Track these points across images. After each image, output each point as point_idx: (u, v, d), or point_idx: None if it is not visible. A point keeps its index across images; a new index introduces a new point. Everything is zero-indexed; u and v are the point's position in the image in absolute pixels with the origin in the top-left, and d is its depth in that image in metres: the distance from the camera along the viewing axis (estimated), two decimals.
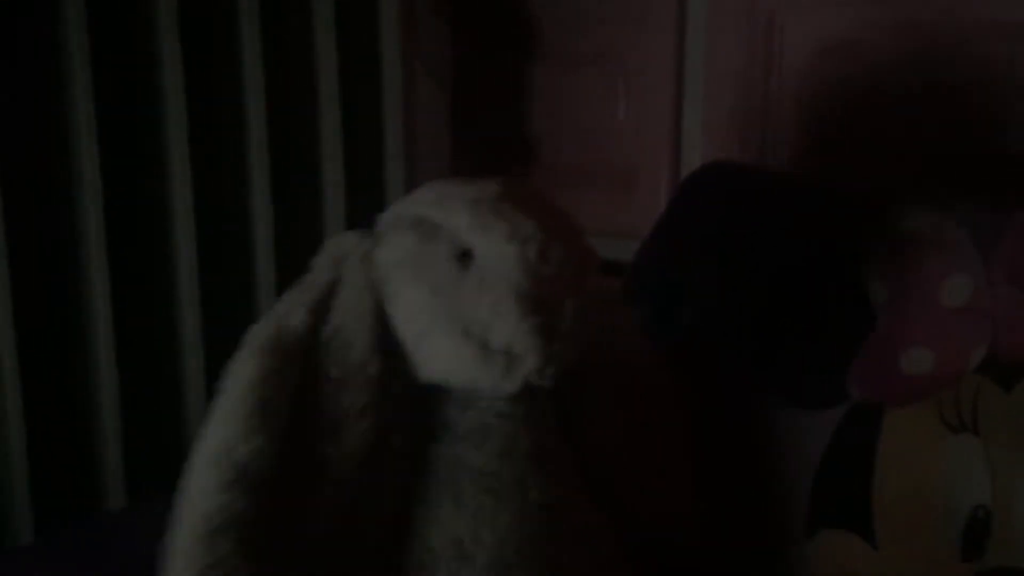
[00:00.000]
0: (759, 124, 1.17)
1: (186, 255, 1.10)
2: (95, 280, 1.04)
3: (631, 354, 0.83)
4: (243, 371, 0.67)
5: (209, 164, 1.13)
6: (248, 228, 1.17)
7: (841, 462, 0.80)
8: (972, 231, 0.79)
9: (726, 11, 1.19)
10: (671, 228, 1.04)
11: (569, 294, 0.68)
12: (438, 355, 0.68)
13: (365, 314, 0.69)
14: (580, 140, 1.37)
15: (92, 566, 0.92)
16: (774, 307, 0.88)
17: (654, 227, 1.04)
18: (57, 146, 1.02)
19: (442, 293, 0.68)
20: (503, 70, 1.43)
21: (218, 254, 1.15)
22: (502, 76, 1.43)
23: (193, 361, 1.12)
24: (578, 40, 1.35)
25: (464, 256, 0.68)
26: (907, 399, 0.78)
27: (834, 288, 0.86)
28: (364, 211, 1.27)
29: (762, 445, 0.85)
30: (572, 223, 0.74)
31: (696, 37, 1.23)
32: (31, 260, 1.01)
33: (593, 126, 1.35)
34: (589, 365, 0.73)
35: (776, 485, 0.84)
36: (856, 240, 0.85)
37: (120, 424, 1.06)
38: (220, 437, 0.66)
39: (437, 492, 0.70)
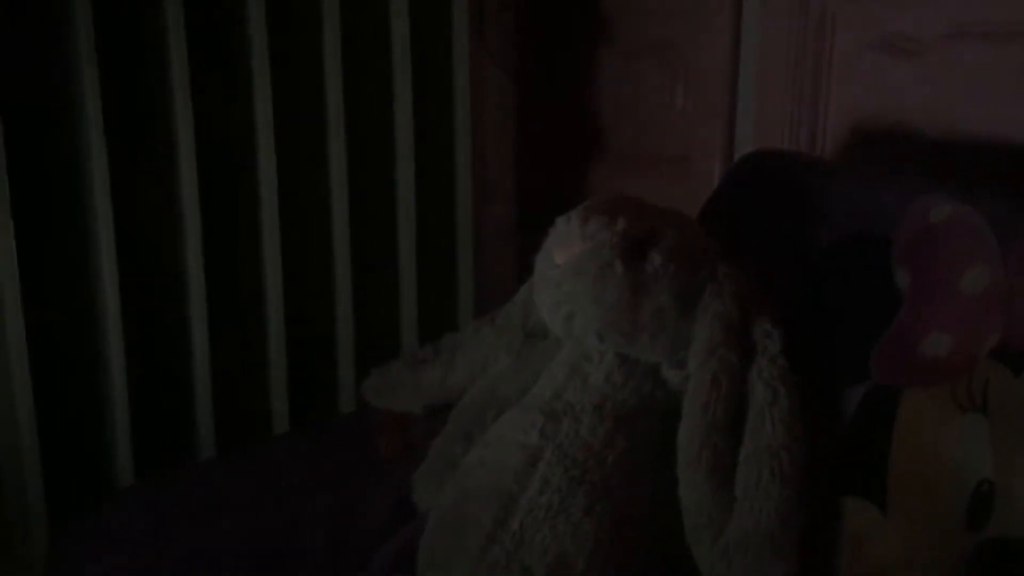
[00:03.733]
0: (809, 114, 1.21)
1: (269, 224, 1.21)
2: (191, 259, 1.15)
3: None
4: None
5: (289, 145, 1.23)
6: (326, 207, 1.27)
7: (861, 436, 0.86)
8: (994, 223, 0.83)
9: (780, 5, 1.23)
10: (717, 210, 1.10)
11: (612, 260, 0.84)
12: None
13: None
14: (640, 127, 1.43)
15: (186, 506, 1.04)
16: (806, 288, 0.95)
17: (701, 209, 1.10)
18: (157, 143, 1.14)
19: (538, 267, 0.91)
20: (569, 60, 1.49)
21: (296, 208, 1.25)
22: (567, 66, 1.50)
23: (275, 329, 1.23)
24: (640, 32, 1.41)
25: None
26: (925, 380, 0.83)
27: (863, 273, 0.91)
28: (434, 195, 1.36)
29: None
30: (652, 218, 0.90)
31: (751, 30, 1.27)
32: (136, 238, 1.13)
33: (653, 114, 1.41)
34: None
35: None
36: (886, 228, 0.90)
37: (212, 384, 1.18)
38: None
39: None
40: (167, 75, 1.12)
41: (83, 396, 1.13)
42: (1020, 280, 0.81)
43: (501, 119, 1.44)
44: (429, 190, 1.34)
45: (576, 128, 1.52)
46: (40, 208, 1.09)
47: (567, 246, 0.87)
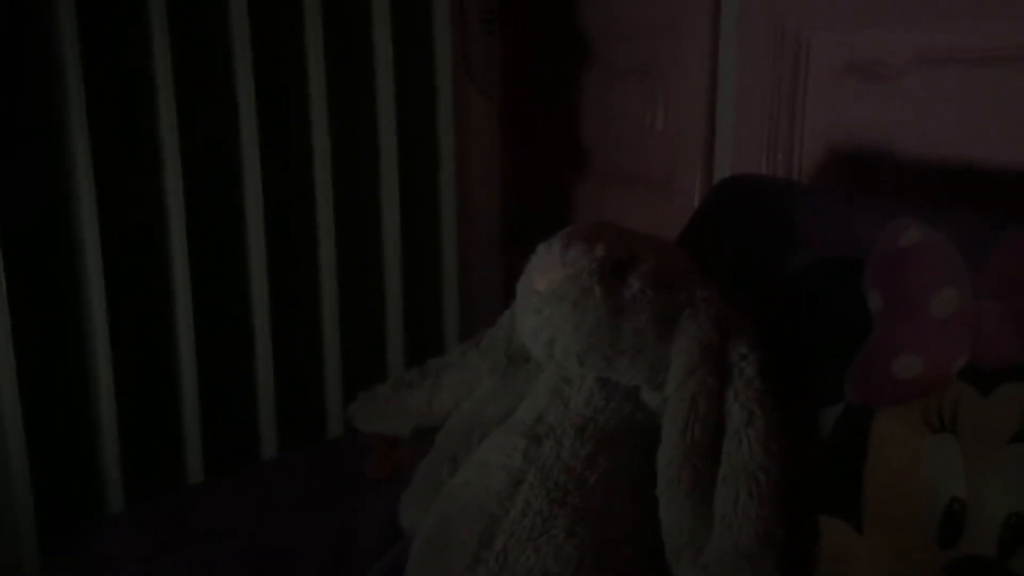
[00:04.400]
0: (785, 137, 1.24)
1: (256, 251, 1.23)
2: (179, 285, 1.17)
3: None
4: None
5: (275, 171, 1.25)
6: (312, 233, 1.29)
7: (836, 456, 0.88)
8: (962, 247, 0.86)
9: (756, 28, 1.26)
10: (695, 234, 1.12)
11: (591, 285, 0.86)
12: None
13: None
14: (622, 149, 1.46)
15: (178, 529, 1.05)
16: (782, 311, 0.97)
17: (680, 233, 1.13)
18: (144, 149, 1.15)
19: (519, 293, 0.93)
20: (551, 83, 1.52)
21: (282, 233, 1.27)
22: (550, 88, 1.52)
23: (263, 354, 1.24)
24: (622, 55, 1.43)
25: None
26: (896, 401, 0.85)
27: (837, 296, 0.94)
28: (418, 219, 1.38)
29: None
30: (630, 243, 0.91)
31: (728, 53, 1.30)
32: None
33: (634, 136, 1.44)
34: None
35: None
36: (859, 251, 0.93)
37: (200, 409, 1.19)
38: None
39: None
40: (153, 88, 1.14)
41: (72, 422, 1.14)
42: (987, 302, 0.83)
43: (485, 142, 1.46)
44: (414, 214, 1.36)
45: (559, 150, 1.54)
46: (26, 234, 1.10)
47: (547, 272, 0.90)
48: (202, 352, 1.19)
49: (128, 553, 1.02)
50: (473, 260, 1.44)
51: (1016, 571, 0.76)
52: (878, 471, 0.85)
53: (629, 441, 0.92)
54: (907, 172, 1.13)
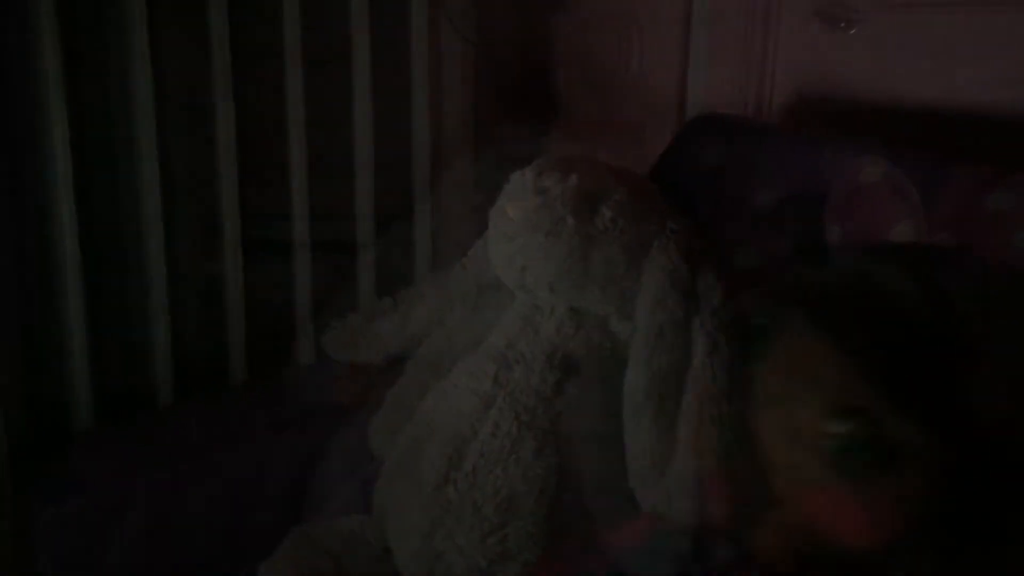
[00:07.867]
0: (757, 80, 1.26)
1: (228, 180, 1.23)
2: (150, 208, 1.17)
3: None
4: None
5: (248, 103, 1.25)
6: (284, 165, 1.29)
7: None
8: (919, 183, 0.89)
9: None
10: (665, 171, 1.14)
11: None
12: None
13: None
14: (596, 93, 1.47)
15: (148, 449, 1.07)
16: (742, 244, 1.00)
17: (651, 170, 1.14)
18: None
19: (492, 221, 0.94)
20: (526, 27, 1.52)
21: (256, 164, 1.28)
22: (525, 33, 1.52)
23: (234, 276, 1.25)
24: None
25: None
26: None
27: (798, 230, 0.97)
28: (391, 155, 1.39)
29: None
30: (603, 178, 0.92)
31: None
32: None
33: (608, 80, 1.45)
34: None
35: None
36: (821, 188, 0.95)
37: (169, 334, 1.20)
38: None
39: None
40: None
41: (42, 344, 1.15)
42: (941, 235, 0.86)
43: (460, 84, 1.46)
44: (387, 151, 1.37)
45: (534, 94, 1.55)
46: None
47: (520, 200, 0.91)
48: (174, 275, 1.19)
49: (99, 470, 1.04)
50: (446, 198, 1.45)
51: None
52: None
53: (597, 369, 0.95)
54: (874, 115, 1.15)
